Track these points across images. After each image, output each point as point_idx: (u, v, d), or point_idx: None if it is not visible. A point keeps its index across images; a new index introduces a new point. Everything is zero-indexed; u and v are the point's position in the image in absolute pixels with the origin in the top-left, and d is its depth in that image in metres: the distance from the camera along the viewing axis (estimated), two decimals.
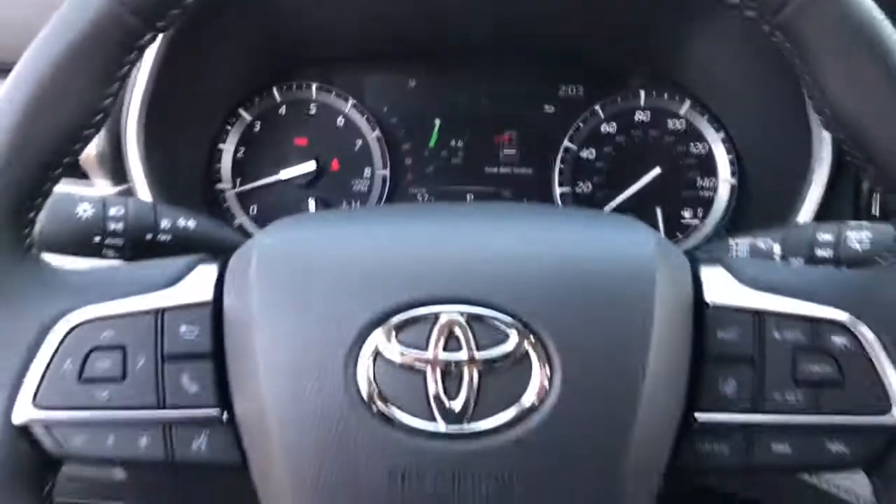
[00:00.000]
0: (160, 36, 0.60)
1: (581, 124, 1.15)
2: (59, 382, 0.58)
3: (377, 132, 1.16)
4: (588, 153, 1.14)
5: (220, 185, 1.16)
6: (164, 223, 0.80)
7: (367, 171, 1.16)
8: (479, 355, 0.54)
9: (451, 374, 0.54)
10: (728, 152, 1.12)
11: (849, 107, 0.56)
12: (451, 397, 0.54)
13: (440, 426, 0.54)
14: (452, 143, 1.17)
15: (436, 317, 0.55)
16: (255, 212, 1.16)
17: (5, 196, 0.57)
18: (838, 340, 0.57)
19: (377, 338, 0.55)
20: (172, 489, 1.26)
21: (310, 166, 1.15)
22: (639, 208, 1.12)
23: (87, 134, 0.60)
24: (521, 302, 0.55)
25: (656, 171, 1.12)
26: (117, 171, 1.01)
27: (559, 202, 1.15)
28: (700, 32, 1.05)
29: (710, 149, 1.13)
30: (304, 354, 0.55)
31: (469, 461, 0.54)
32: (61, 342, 0.58)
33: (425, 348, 0.54)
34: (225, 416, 0.59)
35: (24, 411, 0.57)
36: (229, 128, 1.16)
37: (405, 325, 0.55)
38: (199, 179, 1.15)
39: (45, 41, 0.57)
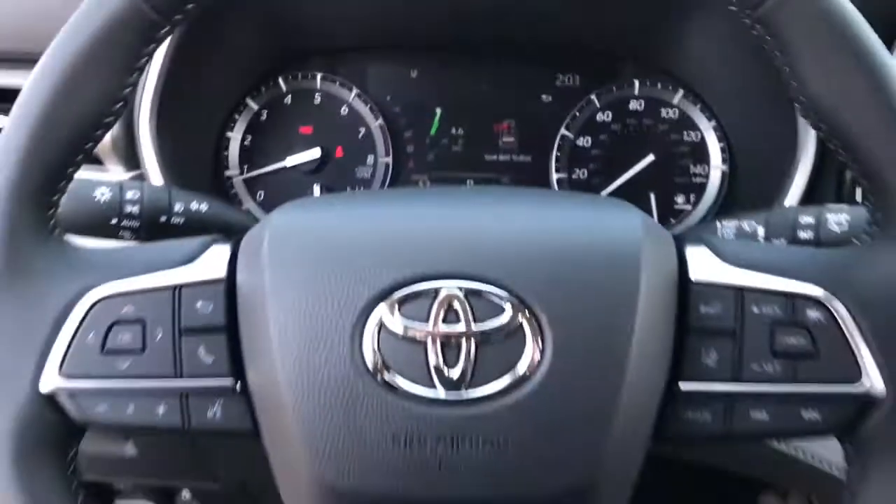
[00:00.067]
0: None
1: (577, 113, 1.15)
2: (83, 354, 0.60)
3: (380, 121, 1.17)
4: (584, 141, 1.15)
5: (228, 172, 1.16)
6: (178, 206, 0.81)
7: (371, 159, 1.17)
8: (476, 327, 0.56)
9: (450, 345, 0.56)
10: (719, 140, 1.12)
11: (825, 97, 0.58)
12: (450, 366, 0.56)
13: (440, 393, 0.56)
14: (453, 131, 1.17)
15: (436, 292, 0.57)
16: (261, 197, 1.17)
17: (31, 180, 0.59)
18: (813, 315, 0.58)
19: (381, 311, 0.57)
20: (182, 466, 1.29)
21: (315, 153, 1.15)
22: (633, 194, 1.12)
23: (108, 121, 0.62)
24: (516, 278, 0.57)
25: (650, 158, 1.13)
26: (130, 158, 1.02)
27: (556, 188, 1.15)
28: (692, 26, 1.06)
29: (702, 137, 1.13)
30: (314, 327, 0.57)
31: (466, 426, 0.56)
32: (85, 316, 0.60)
33: (426, 321, 0.56)
34: (238, 385, 0.60)
35: (50, 380, 0.59)
36: (237, 116, 1.17)
37: (407, 299, 0.57)
38: (208, 166, 1.15)
39: (68, 34, 0.59)
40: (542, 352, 0.56)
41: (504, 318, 0.56)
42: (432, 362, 0.56)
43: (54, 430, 0.60)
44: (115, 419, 0.61)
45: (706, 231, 0.81)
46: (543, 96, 1.17)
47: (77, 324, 0.60)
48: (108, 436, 1.16)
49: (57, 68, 0.59)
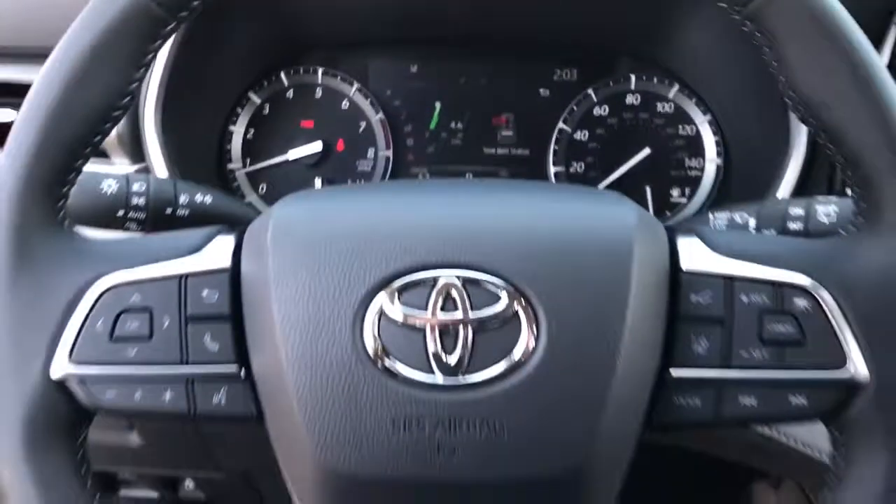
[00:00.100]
0: None
1: (575, 107, 1.16)
2: (93, 341, 0.61)
3: (380, 115, 1.17)
4: (581, 135, 1.16)
5: (231, 165, 1.17)
6: (183, 198, 0.82)
7: (371, 152, 1.18)
8: (473, 315, 0.57)
9: (447, 332, 0.57)
10: (714, 134, 1.13)
11: (812, 92, 0.59)
12: (448, 353, 0.57)
13: (438, 379, 0.57)
14: (452, 125, 1.18)
15: (434, 280, 0.58)
16: (263, 190, 1.17)
17: (42, 172, 0.60)
18: (800, 303, 0.59)
19: (381, 299, 0.58)
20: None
21: (316, 147, 1.16)
22: (629, 187, 1.12)
23: (116, 115, 0.63)
24: (512, 267, 0.58)
25: (646, 151, 1.13)
26: (135, 151, 1.03)
27: (553, 181, 1.15)
28: (687, 22, 1.06)
29: (698, 131, 1.14)
30: (316, 315, 0.58)
31: (463, 410, 0.57)
32: (94, 305, 0.61)
33: (425, 309, 0.58)
34: (243, 372, 0.61)
35: (61, 367, 0.60)
36: (240, 110, 1.17)
37: (407, 287, 0.58)
38: (211, 159, 1.15)
39: (78, 31, 0.60)
40: (537, 338, 0.57)
41: (500, 306, 0.57)
42: (431, 349, 0.57)
43: (64, 414, 0.61)
44: (123, 404, 0.62)
45: (699, 223, 0.82)
46: (541, 91, 1.17)
47: (86, 312, 0.61)
48: (112, 426, 1.17)
49: (67, 64, 0.60)
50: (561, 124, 1.16)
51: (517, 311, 0.57)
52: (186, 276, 0.62)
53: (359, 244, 0.59)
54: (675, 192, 1.14)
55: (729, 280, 0.61)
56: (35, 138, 0.59)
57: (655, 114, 1.15)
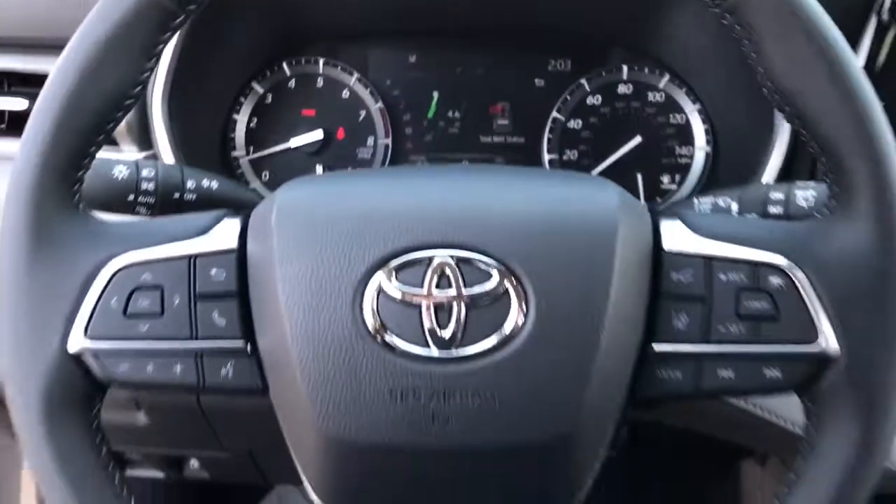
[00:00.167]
0: None
1: (568, 96, 1.16)
2: (107, 317, 0.63)
3: (380, 104, 1.18)
4: (575, 123, 1.16)
5: (234, 153, 1.18)
6: (190, 183, 0.83)
7: (371, 140, 1.18)
8: (466, 292, 0.59)
9: (442, 308, 0.59)
10: (704, 122, 1.14)
11: (788, 82, 0.61)
12: (443, 328, 0.59)
13: (433, 352, 0.59)
14: (450, 113, 1.19)
15: (430, 260, 0.60)
16: (266, 177, 1.18)
17: (58, 158, 0.62)
18: (775, 281, 0.61)
19: (380, 278, 0.60)
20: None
21: (317, 135, 1.16)
22: (621, 174, 1.13)
23: (128, 104, 0.64)
24: (503, 247, 0.60)
25: (637, 139, 1.14)
26: (143, 139, 1.04)
27: (548, 168, 1.15)
28: (677, 15, 1.07)
29: (687, 119, 1.15)
30: (318, 292, 0.60)
31: (457, 381, 0.59)
32: (108, 283, 0.63)
33: (421, 286, 0.60)
34: (249, 347, 0.63)
35: (77, 341, 0.62)
36: (243, 100, 1.18)
37: (404, 266, 0.60)
38: (216, 147, 1.17)
39: (91, 24, 0.62)
40: (526, 314, 0.59)
41: (491, 284, 0.59)
42: (426, 324, 0.59)
43: (80, 387, 0.63)
44: (136, 377, 0.64)
45: (683, 206, 0.83)
46: (536, 80, 1.18)
47: (101, 290, 0.63)
48: (120, 405, 1.18)
49: (81, 56, 0.61)
50: (555, 113, 1.17)
51: (507, 289, 0.60)
52: (195, 256, 0.64)
53: (358, 226, 0.61)
54: (665, 179, 1.15)
55: (708, 260, 0.63)
56: (52, 127, 0.61)
57: (647, 103, 1.16)
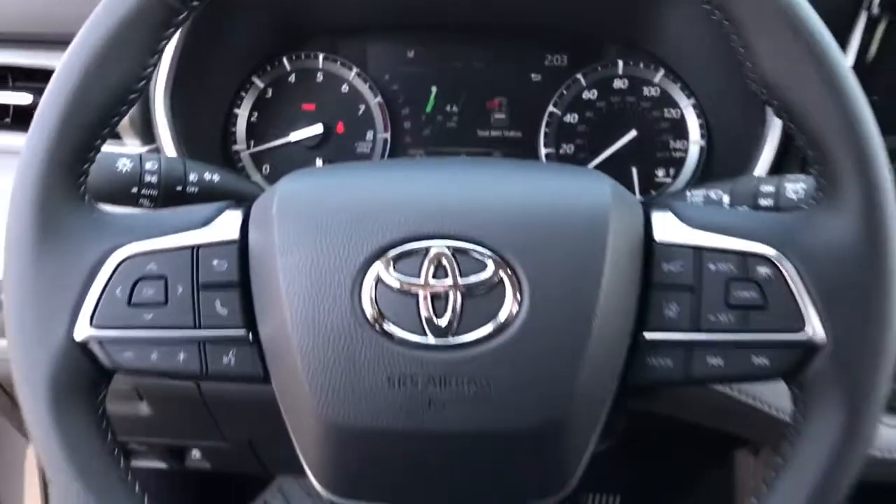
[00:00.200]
0: None
1: (565, 91, 1.17)
2: (112, 306, 0.64)
3: (379, 98, 1.18)
4: (571, 117, 1.17)
5: (235, 147, 1.18)
6: (193, 176, 0.84)
7: (370, 134, 1.19)
8: (461, 281, 0.61)
9: (439, 297, 0.61)
10: (698, 117, 1.14)
11: (775, 76, 0.62)
12: (439, 316, 0.60)
13: (430, 339, 0.60)
14: (448, 108, 1.19)
15: (426, 250, 0.61)
16: (267, 171, 1.19)
17: (64, 152, 0.63)
18: (763, 271, 0.62)
19: (378, 268, 0.61)
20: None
21: (317, 129, 1.17)
22: (616, 167, 1.14)
23: (132, 98, 0.65)
24: (498, 238, 0.61)
25: (633, 133, 1.15)
26: (146, 133, 1.05)
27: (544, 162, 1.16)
28: (671, 11, 1.07)
29: (682, 114, 1.15)
30: (318, 282, 0.61)
31: (453, 368, 0.60)
32: (113, 273, 0.64)
33: (418, 276, 0.61)
34: (250, 335, 0.65)
35: (83, 330, 0.63)
36: (244, 94, 1.18)
37: (401, 257, 0.61)
38: (217, 141, 1.18)
39: (96, 20, 0.63)
40: (520, 303, 0.61)
41: (487, 273, 0.61)
42: (423, 313, 0.61)
43: (86, 374, 0.65)
44: (141, 365, 0.65)
45: (675, 199, 0.84)
46: (533, 75, 1.19)
47: (106, 279, 0.64)
48: (123, 396, 1.19)
49: (86, 52, 0.62)
50: (551, 108, 1.18)
51: (502, 278, 0.61)
52: (198, 246, 0.65)
53: (357, 217, 0.62)
54: (660, 172, 1.16)
55: (698, 250, 0.64)
56: (58, 121, 0.62)
57: (642, 98, 1.17)
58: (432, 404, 0.61)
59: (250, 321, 0.65)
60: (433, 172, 0.68)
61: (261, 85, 1.20)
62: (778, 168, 1.01)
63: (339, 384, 0.61)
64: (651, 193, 1.15)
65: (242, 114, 1.20)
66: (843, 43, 0.99)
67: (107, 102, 0.64)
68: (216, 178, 0.86)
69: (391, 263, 0.61)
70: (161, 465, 1.47)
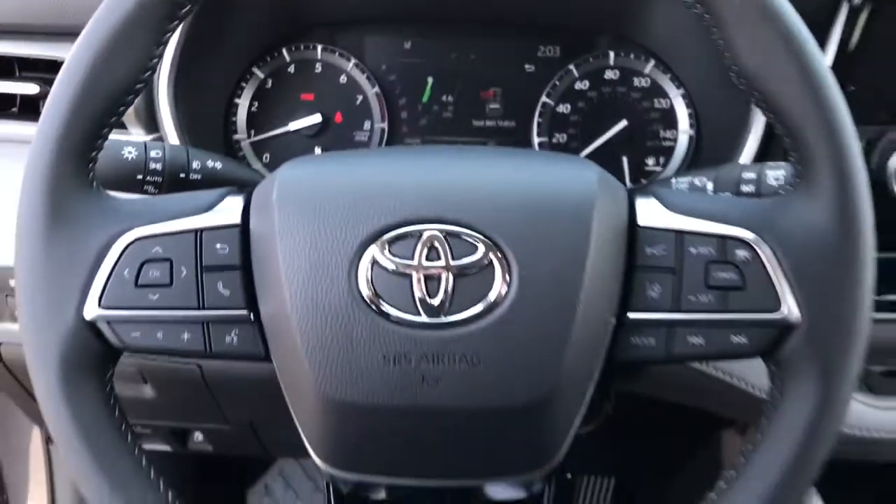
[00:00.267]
0: None
1: (557, 82, 1.19)
2: (119, 287, 0.66)
3: (376, 88, 1.20)
4: (563, 107, 1.19)
5: (236, 136, 1.20)
6: (196, 164, 0.85)
7: (367, 124, 1.20)
8: (453, 263, 0.63)
9: (432, 278, 0.63)
10: (687, 107, 1.16)
11: (754, 67, 0.64)
12: (432, 296, 0.63)
13: (423, 318, 0.63)
14: (443, 98, 1.21)
15: (420, 233, 0.63)
16: (267, 159, 1.20)
17: (73, 141, 0.65)
18: (742, 254, 0.65)
19: (374, 251, 0.63)
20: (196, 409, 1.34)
21: (316, 119, 1.18)
22: (607, 156, 1.15)
23: (138, 88, 0.67)
24: (488, 221, 0.63)
25: (623, 123, 1.16)
26: (150, 122, 1.07)
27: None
28: (660, 3, 1.09)
29: (672, 104, 1.17)
30: (317, 264, 0.63)
31: (445, 346, 0.62)
32: (120, 255, 0.66)
33: (412, 258, 0.63)
34: (252, 315, 0.67)
35: (92, 310, 0.65)
36: (244, 85, 1.20)
37: (396, 240, 0.63)
38: (218, 130, 1.19)
39: (105, 12, 0.65)
40: (510, 284, 0.63)
41: (477, 256, 0.63)
42: (417, 293, 0.63)
43: (95, 352, 0.67)
44: (147, 344, 0.67)
45: (660, 185, 0.86)
46: (526, 66, 1.20)
47: (114, 262, 0.66)
48: (128, 379, 1.21)
49: (94, 45, 0.64)
50: (544, 98, 1.19)
51: (492, 260, 0.63)
52: (201, 230, 0.67)
53: (354, 202, 0.64)
54: (650, 161, 1.18)
55: (679, 234, 0.66)
56: (67, 111, 0.64)
57: (632, 88, 1.18)
58: (426, 380, 0.63)
59: (252, 302, 0.67)
60: (427, 160, 0.70)
61: (261, 75, 1.21)
62: (763, 156, 1.02)
63: (336, 361, 0.63)
64: (641, 181, 1.17)
65: (243, 103, 1.21)
66: (825, 33, 1.00)
67: (114, 93, 0.66)
68: (218, 165, 0.88)
69: (386, 246, 0.63)
70: (164, 447, 1.48)
